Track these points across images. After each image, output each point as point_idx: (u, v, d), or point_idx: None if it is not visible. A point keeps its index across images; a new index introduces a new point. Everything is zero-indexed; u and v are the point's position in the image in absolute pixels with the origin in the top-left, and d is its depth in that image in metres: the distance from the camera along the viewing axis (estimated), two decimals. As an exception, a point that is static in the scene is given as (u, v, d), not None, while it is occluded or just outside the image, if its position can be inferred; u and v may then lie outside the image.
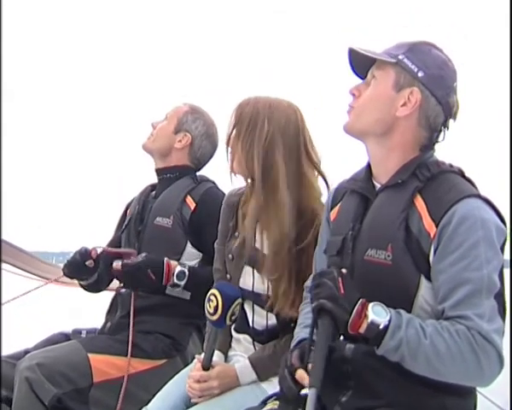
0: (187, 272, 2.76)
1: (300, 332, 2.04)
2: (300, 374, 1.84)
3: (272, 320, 2.39)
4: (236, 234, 2.47)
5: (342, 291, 1.75)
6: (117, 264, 2.77)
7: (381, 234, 1.86)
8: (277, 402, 2.01)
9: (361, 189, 1.97)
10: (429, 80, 1.87)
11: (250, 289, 2.41)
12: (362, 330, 1.74)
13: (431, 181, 1.86)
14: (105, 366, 2.72)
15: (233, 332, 2.50)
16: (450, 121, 1.92)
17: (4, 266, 4.14)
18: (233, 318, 2.26)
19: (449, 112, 1.90)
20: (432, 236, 1.79)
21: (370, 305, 1.74)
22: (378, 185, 1.94)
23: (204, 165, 3.06)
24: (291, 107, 2.39)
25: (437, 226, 1.79)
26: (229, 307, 2.23)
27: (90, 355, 2.72)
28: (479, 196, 1.82)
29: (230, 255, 2.46)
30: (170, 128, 3.00)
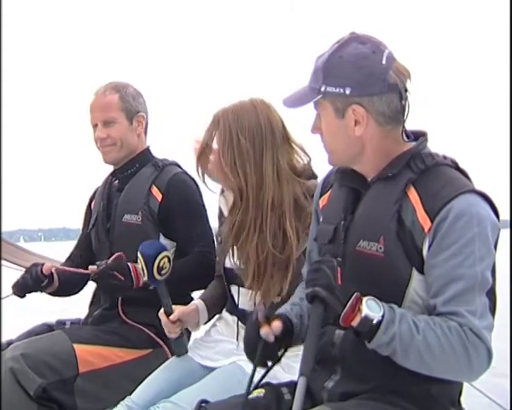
0: None
1: (286, 306, 2.03)
2: (265, 330, 1.85)
3: (258, 299, 2.40)
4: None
5: (340, 282, 1.75)
6: (92, 268, 2.73)
7: (373, 226, 1.85)
8: (263, 390, 2.02)
9: (351, 183, 1.96)
10: (359, 89, 1.82)
11: (234, 267, 2.45)
12: (354, 323, 1.73)
13: (425, 173, 1.84)
14: (90, 356, 2.72)
15: (224, 313, 2.55)
16: (408, 84, 1.86)
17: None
18: (163, 272, 2.42)
19: (396, 88, 1.83)
20: (426, 230, 1.78)
21: (364, 299, 1.74)
22: (368, 177, 1.92)
23: None
24: (253, 105, 2.41)
25: (432, 221, 1.78)
26: (153, 264, 2.40)
27: (76, 345, 2.71)
28: (474, 192, 1.81)
29: (219, 239, 2.54)
30: (124, 124, 2.89)
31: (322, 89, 1.85)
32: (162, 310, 2.49)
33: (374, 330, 1.72)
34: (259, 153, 2.36)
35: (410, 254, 1.80)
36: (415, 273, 1.81)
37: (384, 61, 1.83)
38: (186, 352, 2.52)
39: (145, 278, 2.46)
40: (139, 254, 2.41)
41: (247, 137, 2.37)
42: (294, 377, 2.09)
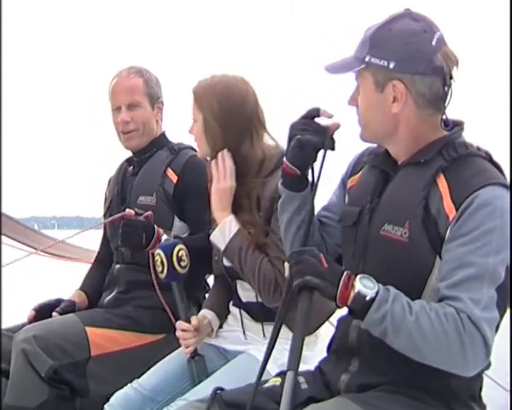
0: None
1: None
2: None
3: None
4: None
5: (326, 265, 1.71)
6: (130, 211, 2.68)
7: (399, 210, 1.82)
8: (279, 379, 1.98)
9: (381, 164, 1.93)
10: (403, 65, 1.79)
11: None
12: (349, 301, 1.69)
13: (457, 162, 1.80)
14: (102, 339, 2.70)
15: (231, 306, 2.54)
16: (454, 71, 1.81)
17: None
18: (183, 264, 2.42)
19: (441, 72, 1.79)
20: (450, 219, 1.74)
21: (358, 276, 1.70)
22: (399, 160, 1.89)
23: None
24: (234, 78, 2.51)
25: (457, 210, 1.74)
26: (172, 254, 2.41)
27: (88, 329, 2.69)
28: (504, 185, 1.77)
29: None
30: (148, 109, 2.88)
31: (367, 59, 1.82)
32: (179, 322, 2.46)
33: (367, 307, 1.68)
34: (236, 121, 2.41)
35: (434, 242, 1.76)
36: (438, 261, 1.76)
37: (434, 42, 1.79)
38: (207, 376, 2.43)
39: (163, 275, 2.43)
40: (157, 251, 2.43)
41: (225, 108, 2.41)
42: (309, 366, 2.08)
